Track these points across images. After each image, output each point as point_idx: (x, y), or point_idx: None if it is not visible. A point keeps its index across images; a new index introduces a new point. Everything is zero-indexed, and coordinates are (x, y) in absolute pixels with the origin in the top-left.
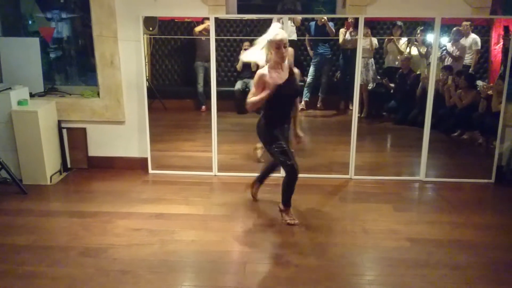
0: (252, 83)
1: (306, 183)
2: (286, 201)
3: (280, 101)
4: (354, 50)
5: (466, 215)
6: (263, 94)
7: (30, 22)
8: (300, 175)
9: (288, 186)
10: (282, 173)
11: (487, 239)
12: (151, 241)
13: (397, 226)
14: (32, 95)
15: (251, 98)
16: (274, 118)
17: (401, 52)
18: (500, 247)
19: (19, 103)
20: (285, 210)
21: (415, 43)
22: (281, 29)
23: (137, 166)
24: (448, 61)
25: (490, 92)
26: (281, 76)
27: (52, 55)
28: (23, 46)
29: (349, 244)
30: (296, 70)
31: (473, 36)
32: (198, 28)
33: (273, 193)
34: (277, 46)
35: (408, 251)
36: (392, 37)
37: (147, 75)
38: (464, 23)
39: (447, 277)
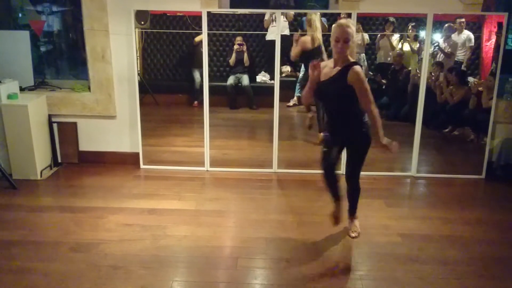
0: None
1: (298, 179)
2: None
3: (323, 101)
4: None
5: (457, 211)
6: (307, 86)
7: (20, 15)
8: (295, 171)
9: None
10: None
11: (477, 234)
12: (142, 237)
13: (389, 221)
14: (22, 89)
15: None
16: (327, 119)
17: (393, 48)
18: (490, 242)
19: (9, 97)
20: (349, 218)
21: (407, 39)
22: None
23: (128, 161)
24: (440, 57)
25: (480, 88)
26: (328, 73)
27: (42, 49)
28: (13, 39)
29: (341, 239)
30: (356, 70)
31: (467, 33)
32: (197, 38)
33: (265, 189)
34: (336, 39)
35: (399, 247)
36: (384, 33)
37: (139, 69)
38: (459, 20)
39: (438, 272)
